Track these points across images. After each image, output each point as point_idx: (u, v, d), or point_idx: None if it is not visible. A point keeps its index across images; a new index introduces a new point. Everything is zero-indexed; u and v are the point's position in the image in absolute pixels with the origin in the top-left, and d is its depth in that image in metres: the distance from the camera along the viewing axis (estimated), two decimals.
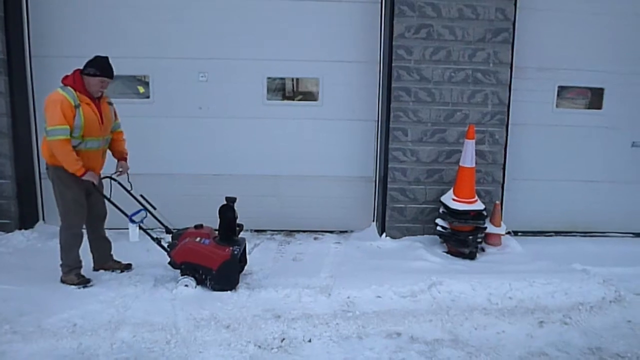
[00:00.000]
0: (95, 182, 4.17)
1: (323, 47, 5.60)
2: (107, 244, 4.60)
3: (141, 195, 4.43)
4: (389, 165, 5.43)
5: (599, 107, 5.91)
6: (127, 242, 4.26)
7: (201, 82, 5.60)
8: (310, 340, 3.43)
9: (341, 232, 5.83)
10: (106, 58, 4.17)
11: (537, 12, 5.61)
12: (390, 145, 5.42)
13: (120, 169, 4.48)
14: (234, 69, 5.58)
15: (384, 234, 5.52)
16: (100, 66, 4.11)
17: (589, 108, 5.97)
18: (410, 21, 5.30)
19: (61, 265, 4.30)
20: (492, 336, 3.62)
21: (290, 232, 5.75)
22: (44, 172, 5.58)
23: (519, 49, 5.53)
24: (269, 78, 5.68)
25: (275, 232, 5.75)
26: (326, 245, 5.41)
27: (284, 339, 3.43)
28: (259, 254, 5.03)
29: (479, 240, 5.14)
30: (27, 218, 5.58)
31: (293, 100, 5.87)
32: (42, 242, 5.25)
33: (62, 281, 4.27)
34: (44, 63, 5.50)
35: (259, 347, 3.34)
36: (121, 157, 4.52)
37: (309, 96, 5.82)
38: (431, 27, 5.33)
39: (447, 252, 5.18)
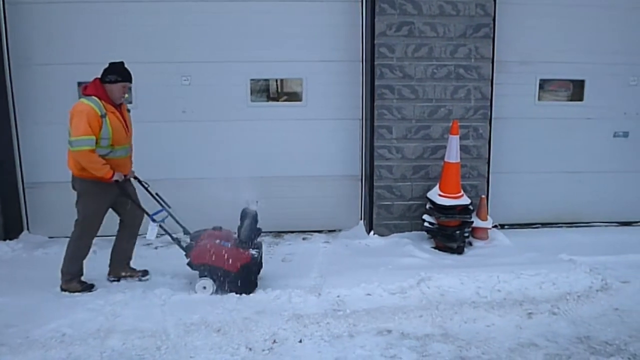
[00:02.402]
0: (121, 180, 4.15)
1: (306, 47, 5.60)
2: (130, 252, 4.55)
3: (157, 194, 4.41)
4: (375, 163, 5.45)
5: (581, 99, 5.97)
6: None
7: (184, 85, 5.57)
8: (301, 341, 3.43)
9: (330, 231, 5.84)
10: (122, 63, 4.18)
11: (516, 6, 5.66)
12: (375, 143, 5.44)
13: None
14: (217, 71, 5.56)
15: (372, 232, 5.54)
16: (120, 72, 4.12)
17: (571, 100, 6.03)
18: (392, 19, 5.33)
19: (62, 274, 4.24)
20: (481, 329, 3.65)
21: (278, 233, 5.74)
22: (28, 181, 5.57)
23: (499, 43, 5.58)
24: (252, 80, 5.67)
25: (264, 234, 5.70)
26: (315, 245, 5.41)
27: (275, 341, 3.43)
28: None
29: (466, 234, 5.17)
30: (11, 228, 5.52)
31: (277, 101, 5.87)
32: (27, 252, 5.19)
33: (63, 289, 4.22)
34: (25, 71, 5.43)
35: (250, 349, 3.33)
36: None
37: (294, 97, 5.82)
38: (412, 25, 5.36)
39: (435, 248, 5.20)
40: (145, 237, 4.27)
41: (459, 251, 5.09)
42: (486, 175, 5.65)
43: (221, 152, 5.68)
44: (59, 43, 5.41)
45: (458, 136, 5.13)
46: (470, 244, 5.32)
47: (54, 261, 4.91)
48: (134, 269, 4.54)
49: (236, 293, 4.08)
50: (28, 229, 5.69)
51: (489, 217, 5.41)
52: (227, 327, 3.59)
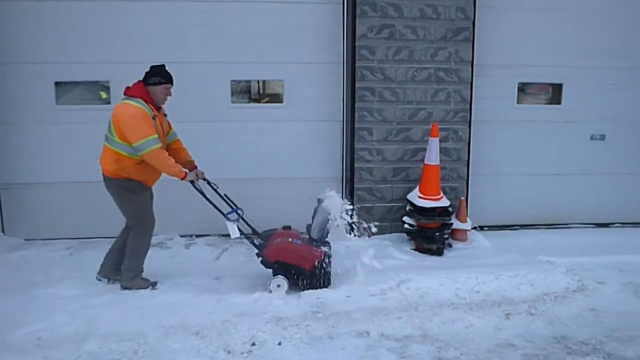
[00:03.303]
0: (196, 180, 4.22)
1: (287, 49, 5.59)
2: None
3: (225, 195, 4.47)
4: (356, 165, 5.46)
5: (559, 102, 6.06)
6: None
7: None
8: (280, 343, 3.42)
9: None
10: (163, 65, 4.21)
11: (496, 10, 5.73)
12: (356, 145, 5.46)
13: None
14: (198, 72, 5.52)
15: (352, 234, 5.54)
16: (163, 74, 4.14)
17: (550, 103, 6.12)
18: (373, 21, 5.35)
19: (125, 272, 4.24)
20: (460, 330, 3.67)
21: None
22: (4, 183, 5.47)
23: (479, 47, 5.64)
24: (233, 81, 5.64)
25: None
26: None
27: (254, 344, 3.41)
28: (229, 258, 5.00)
29: (446, 236, 5.21)
30: None
31: (259, 102, 5.85)
32: (3, 255, 5.08)
33: (126, 287, 4.22)
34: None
35: (229, 352, 3.31)
36: (192, 166, 4.47)
37: (276, 98, 5.80)
38: (393, 27, 5.39)
39: (415, 249, 5.23)
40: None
41: (439, 253, 5.13)
42: (466, 177, 5.70)
43: (202, 154, 5.62)
44: (34, 42, 5.32)
45: (438, 138, 5.17)
46: (450, 245, 5.36)
47: (31, 264, 4.87)
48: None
49: (309, 289, 4.14)
50: (3, 231, 5.58)
51: (468, 219, 5.45)
52: (206, 330, 3.56)
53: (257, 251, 4.25)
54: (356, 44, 5.37)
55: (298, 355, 3.30)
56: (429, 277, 4.35)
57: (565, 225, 6.14)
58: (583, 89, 6.00)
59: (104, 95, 5.59)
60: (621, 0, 5.90)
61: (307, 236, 4.34)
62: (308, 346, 3.41)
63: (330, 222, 4.26)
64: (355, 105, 5.43)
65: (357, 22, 5.34)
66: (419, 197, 5.13)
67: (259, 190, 5.65)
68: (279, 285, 4.14)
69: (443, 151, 5.40)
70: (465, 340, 3.52)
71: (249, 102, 5.79)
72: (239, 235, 4.24)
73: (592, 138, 6.15)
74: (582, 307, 4.04)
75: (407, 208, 5.33)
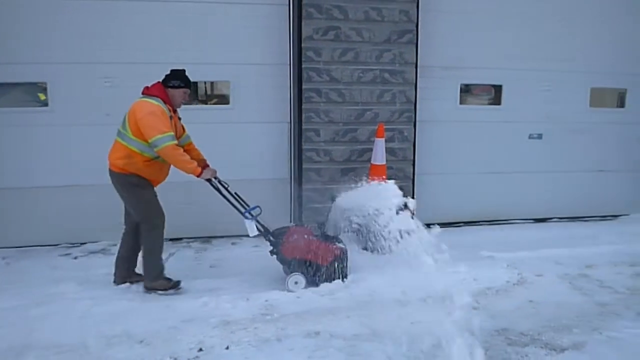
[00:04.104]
0: (212, 178, 4.28)
1: (233, 50, 5.53)
2: (137, 256, 4.39)
3: (236, 193, 4.46)
4: (303, 166, 5.48)
5: (499, 103, 6.30)
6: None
7: (106, 87, 5.34)
8: (228, 348, 3.37)
9: (260, 235, 5.79)
10: (184, 70, 4.29)
11: (439, 13, 5.89)
12: (303, 146, 5.48)
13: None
14: (141, 73, 5.29)
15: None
16: (182, 78, 4.24)
17: (492, 104, 6.34)
18: (318, 23, 5.38)
19: (146, 273, 4.18)
20: (408, 327, 3.72)
21: (207, 239, 5.63)
22: None
23: (423, 49, 5.78)
24: None
25: (192, 240, 5.61)
26: (245, 249, 5.36)
27: (201, 349, 3.35)
28: (175, 263, 4.88)
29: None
30: None
31: (206, 104, 5.76)
32: None
33: (150, 289, 4.16)
34: None
35: (175, 359, 3.24)
36: (204, 165, 4.45)
37: (224, 99, 5.74)
38: (339, 29, 5.44)
39: (364, 249, 5.29)
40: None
41: (387, 251, 5.20)
42: (412, 176, 5.83)
43: None
44: None
45: (384, 139, 5.26)
46: (398, 243, 5.44)
47: None
48: (139, 274, 4.37)
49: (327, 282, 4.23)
50: None
51: (414, 217, 5.55)
52: (152, 337, 3.47)
53: (272, 249, 4.32)
54: (302, 45, 5.39)
55: (245, 358, 3.26)
56: (378, 276, 4.43)
57: (506, 221, 6.38)
58: (521, 90, 6.26)
59: (42, 97, 5.36)
60: (554, 6, 6.19)
61: (320, 232, 4.47)
62: (256, 349, 3.38)
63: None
64: (302, 106, 5.44)
65: (302, 23, 5.36)
66: None
67: (206, 194, 5.53)
68: (296, 282, 4.21)
69: (389, 151, 5.49)
70: (412, 337, 3.58)
71: (195, 104, 5.69)
72: (256, 233, 4.28)
73: (530, 137, 6.43)
74: (522, 300, 4.20)
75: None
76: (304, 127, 5.46)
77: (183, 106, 5.49)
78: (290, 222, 5.86)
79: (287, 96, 5.68)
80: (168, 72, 4.25)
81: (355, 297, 4.15)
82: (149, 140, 3.97)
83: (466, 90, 6.22)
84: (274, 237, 4.38)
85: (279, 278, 4.42)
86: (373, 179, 5.19)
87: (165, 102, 4.13)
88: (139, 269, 4.37)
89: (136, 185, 4.13)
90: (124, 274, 4.36)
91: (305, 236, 4.34)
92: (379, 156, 5.22)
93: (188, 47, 5.41)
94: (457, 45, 5.99)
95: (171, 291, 4.19)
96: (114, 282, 4.35)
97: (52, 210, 5.29)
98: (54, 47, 5.17)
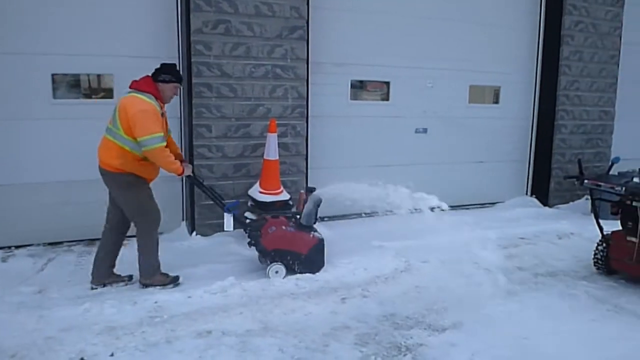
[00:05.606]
0: (190, 173, 4.27)
1: (117, 42, 5.23)
2: (117, 255, 4.30)
3: (211, 188, 4.60)
4: (195, 163, 5.33)
5: (388, 99, 6.57)
6: None
7: None
8: (112, 354, 3.21)
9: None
10: (174, 64, 4.28)
11: (329, 11, 6.01)
12: (194, 142, 5.34)
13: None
14: (12, 64, 4.94)
15: (194, 233, 5.42)
16: (174, 72, 4.16)
17: (383, 100, 6.59)
18: (208, 16, 5.26)
19: (143, 270, 4.15)
20: (300, 318, 3.79)
21: (91, 241, 5.25)
22: None
23: (314, 45, 5.86)
24: (55, 74, 5.14)
25: (73, 243, 5.23)
26: (133, 250, 5.08)
27: (82, 358, 3.16)
28: (54, 269, 4.55)
29: None
30: None
31: (91, 98, 5.41)
32: None
33: (147, 285, 4.13)
34: None
35: None
36: (181, 159, 4.33)
37: (110, 94, 5.40)
38: (229, 23, 5.36)
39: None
40: None
41: None
42: (305, 171, 5.90)
43: (24, 155, 5.08)
44: None
45: (276, 134, 5.27)
46: None
47: None
48: (119, 275, 4.28)
49: (304, 273, 4.42)
50: None
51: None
52: (26, 350, 3.21)
53: (249, 240, 4.44)
54: (191, 38, 5.23)
55: None
56: None
57: (394, 213, 6.64)
58: (407, 87, 6.59)
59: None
60: (440, 9, 6.58)
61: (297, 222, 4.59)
62: (144, 353, 3.25)
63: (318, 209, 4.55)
64: (193, 101, 5.30)
65: (191, 16, 5.20)
66: (260, 192, 5.19)
67: (88, 194, 5.21)
68: (277, 272, 4.35)
69: (282, 146, 5.51)
70: (303, 328, 3.64)
71: (78, 98, 5.32)
72: (231, 228, 4.41)
73: (416, 131, 6.78)
74: (408, 286, 4.43)
75: (249, 203, 5.35)
76: (194, 122, 5.32)
77: (60, 100, 5.20)
78: (183, 220, 5.67)
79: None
80: (158, 66, 4.13)
81: (248, 292, 4.13)
82: (138, 139, 3.87)
83: (360, 86, 6.41)
84: (253, 230, 4.46)
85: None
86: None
87: (156, 98, 4.03)
88: (118, 269, 4.29)
89: (134, 185, 4.06)
90: (103, 274, 4.21)
91: (284, 227, 4.47)
92: (272, 151, 5.23)
93: (69, 38, 5.07)
94: (347, 43, 6.15)
95: (170, 286, 4.16)
96: (91, 283, 4.18)
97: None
98: None
